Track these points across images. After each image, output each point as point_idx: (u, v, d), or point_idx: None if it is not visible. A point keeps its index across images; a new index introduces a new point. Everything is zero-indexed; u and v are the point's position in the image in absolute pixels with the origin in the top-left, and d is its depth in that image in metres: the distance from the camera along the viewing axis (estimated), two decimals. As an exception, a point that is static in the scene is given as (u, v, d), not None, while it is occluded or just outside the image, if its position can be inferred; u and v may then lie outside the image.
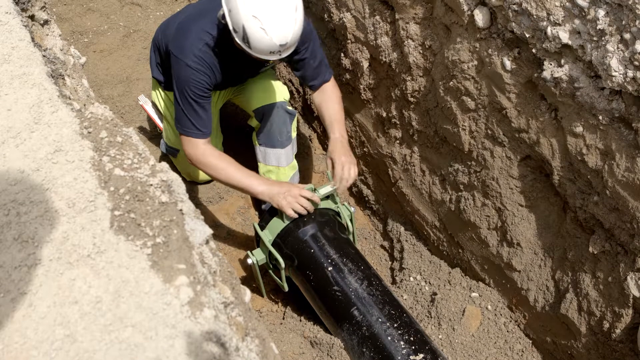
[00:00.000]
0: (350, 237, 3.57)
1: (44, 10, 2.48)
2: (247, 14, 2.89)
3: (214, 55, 3.26)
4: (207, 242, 1.62)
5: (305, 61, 3.50)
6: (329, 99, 3.59)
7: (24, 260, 1.44)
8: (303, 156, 4.51)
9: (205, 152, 3.36)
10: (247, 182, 3.36)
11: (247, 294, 1.80)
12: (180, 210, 1.59)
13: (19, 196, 1.56)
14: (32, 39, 2.05)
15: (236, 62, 3.31)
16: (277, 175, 3.81)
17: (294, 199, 3.30)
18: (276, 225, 3.41)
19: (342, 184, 3.43)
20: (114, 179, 1.62)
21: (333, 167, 3.44)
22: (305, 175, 4.38)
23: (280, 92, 3.82)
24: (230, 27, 3.00)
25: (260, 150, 3.83)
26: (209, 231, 1.62)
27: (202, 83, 3.24)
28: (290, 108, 3.82)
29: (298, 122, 4.69)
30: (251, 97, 3.80)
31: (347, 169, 3.42)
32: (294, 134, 3.86)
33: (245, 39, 2.97)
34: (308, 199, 3.32)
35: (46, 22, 2.50)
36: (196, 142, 3.36)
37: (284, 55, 3.07)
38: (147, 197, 1.59)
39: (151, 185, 1.62)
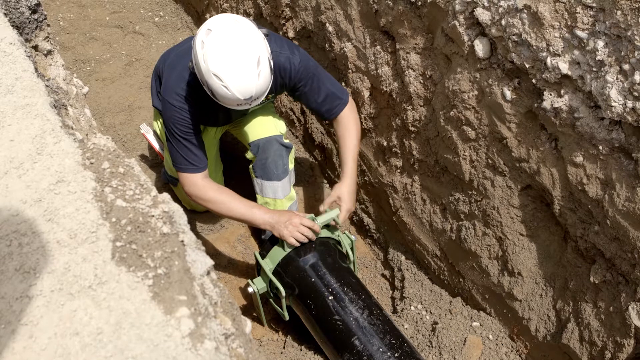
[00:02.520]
0: (351, 265, 3.56)
1: (48, 41, 2.51)
2: (207, 72, 2.91)
3: (196, 94, 3.26)
4: (208, 273, 1.62)
5: (307, 97, 3.52)
6: (342, 133, 3.61)
7: (25, 291, 1.44)
8: (304, 185, 4.51)
9: (203, 187, 3.38)
10: (248, 213, 3.38)
11: (248, 324, 1.80)
12: (182, 241, 1.59)
13: (21, 227, 1.56)
14: (36, 69, 2.07)
15: (214, 103, 3.34)
16: (274, 206, 3.81)
17: (295, 228, 3.30)
18: (277, 254, 3.41)
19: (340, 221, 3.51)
20: (116, 210, 1.62)
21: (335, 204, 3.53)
22: (306, 204, 4.38)
23: (277, 125, 3.82)
24: (199, 78, 3.04)
25: (257, 183, 3.84)
26: (210, 262, 1.62)
27: (185, 120, 3.27)
28: (286, 141, 3.81)
29: (299, 150, 4.70)
30: (247, 131, 3.81)
31: (347, 214, 3.55)
32: (291, 166, 3.86)
33: (211, 92, 3.01)
34: (309, 228, 3.33)
35: (49, 52, 2.52)
36: (193, 177, 3.38)
37: (255, 104, 3.09)
38: (149, 228, 1.59)
39: (153, 216, 1.63)
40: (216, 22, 2.96)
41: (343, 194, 3.52)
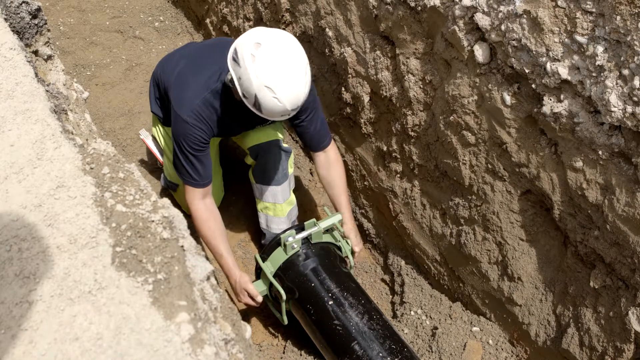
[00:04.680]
0: (352, 271, 3.57)
1: (48, 46, 2.50)
2: (259, 84, 2.89)
3: (212, 111, 3.27)
4: (208, 278, 1.62)
5: (304, 127, 3.53)
6: (332, 172, 3.67)
7: (25, 296, 1.44)
8: (303, 190, 4.51)
9: (198, 209, 3.39)
10: (220, 254, 3.44)
11: (248, 330, 1.80)
12: (182, 246, 1.59)
13: (20, 232, 1.56)
14: (36, 75, 2.06)
15: (234, 117, 3.32)
16: (274, 211, 3.82)
17: (239, 297, 3.45)
18: (278, 257, 3.41)
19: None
20: (116, 215, 1.62)
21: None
22: (305, 209, 4.38)
23: (276, 130, 3.83)
24: (240, 93, 3.00)
25: (256, 187, 3.84)
26: (210, 267, 1.62)
27: (197, 138, 3.25)
28: (285, 145, 3.82)
29: (298, 155, 4.70)
30: (246, 135, 3.80)
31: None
32: (290, 170, 3.87)
33: (257, 105, 2.98)
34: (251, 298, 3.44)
35: (50, 57, 2.52)
36: (194, 192, 3.38)
37: (293, 114, 3.10)
38: (149, 233, 1.59)
39: (153, 221, 1.63)
40: (263, 35, 2.96)
41: (350, 235, 3.64)
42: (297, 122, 3.52)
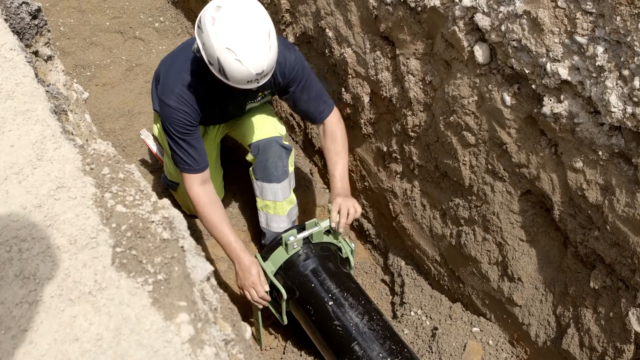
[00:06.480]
0: (352, 271, 3.56)
1: (48, 46, 2.51)
2: (220, 46, 2.87)
3: (194, 92, 3.25)
4: (208, 278, 1.62)
5: (298, 97, 3.52)
6: (328, 146, 3.60)
7: (25, 296, 1.44)
8: (304, 190, 4.51)
9: (198, 194, 3.35)
10: (227, 241, 3.35)
11: (248, 330, 1.80)
12: (182, 247, 1.59)
13: (20, 232, 1.56)
14: (36, 75, 2.06)
15: (218, 96, 3.32)
16: (274, 209, 3.81)
17: (253, 291, 3.34)
18: (279, 257, 3.40)
19: (341, 222, 3.43)
20: (116, 215, 1.62)
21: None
22: (306, 210, 4.38)
23: (276, 127, 3.83)
24: (206, 60, 2.99)
25: (257, 185, 3.83)
26: (210, 268, 1.62)
27: (182, 120, 3.24)
28: (286, 143, 3.82)
29: (299, 156, 4.71)
30: (247, 132, 3.81)
31: (344, 210, 3.42)
32: (291, 168, 3.86)
33: (221, 70, 2.96)
34: (261, 297, 3.36)
35: (50, 57, 2.53)
36: (191, 178, 3.35)
37: (262, 82, 3.05)
38: (149, 233, 1.59)
39: (153, 222, 1.62)
40: (225, 0, 2.95)
41: (337, 201, 3.45)
42: (286, 96, 3.53)
